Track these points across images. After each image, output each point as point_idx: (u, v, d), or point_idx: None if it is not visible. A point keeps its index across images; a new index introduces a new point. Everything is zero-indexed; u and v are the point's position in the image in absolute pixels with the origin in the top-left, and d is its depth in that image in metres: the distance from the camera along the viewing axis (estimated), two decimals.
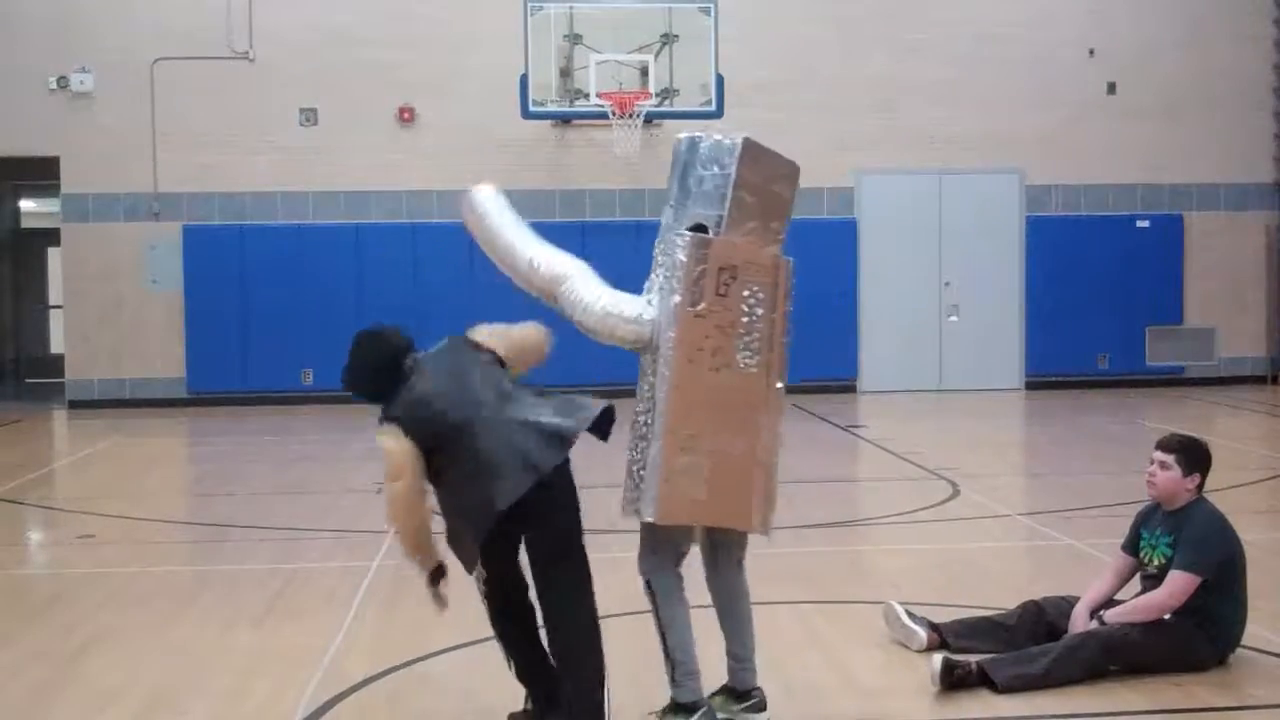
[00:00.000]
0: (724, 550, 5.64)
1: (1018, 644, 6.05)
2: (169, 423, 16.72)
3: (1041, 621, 6.20)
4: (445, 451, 5.06)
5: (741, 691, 5.53)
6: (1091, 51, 19.24)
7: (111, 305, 18.25)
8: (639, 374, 5.42)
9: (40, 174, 19.02)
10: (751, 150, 5.41)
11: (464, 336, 5.68)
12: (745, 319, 5.22)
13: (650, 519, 5.23)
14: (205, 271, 18.26)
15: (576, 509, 5.33)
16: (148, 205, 18.34)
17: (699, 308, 5.13)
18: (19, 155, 18.47)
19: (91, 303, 18.26)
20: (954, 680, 5.71)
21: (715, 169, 5.35)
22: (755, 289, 5.24)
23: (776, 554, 8.72)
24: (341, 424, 16.10)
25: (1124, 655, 5.87)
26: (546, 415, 5.26)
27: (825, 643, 6.59)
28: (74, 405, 18.10)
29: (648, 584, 5.46)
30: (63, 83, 18.17)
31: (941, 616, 6.48)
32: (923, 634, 6.30)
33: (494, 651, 6.49)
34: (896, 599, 6.65)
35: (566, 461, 5.19)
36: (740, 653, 5.56)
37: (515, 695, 5.98)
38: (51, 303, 23.59)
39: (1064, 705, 5.62)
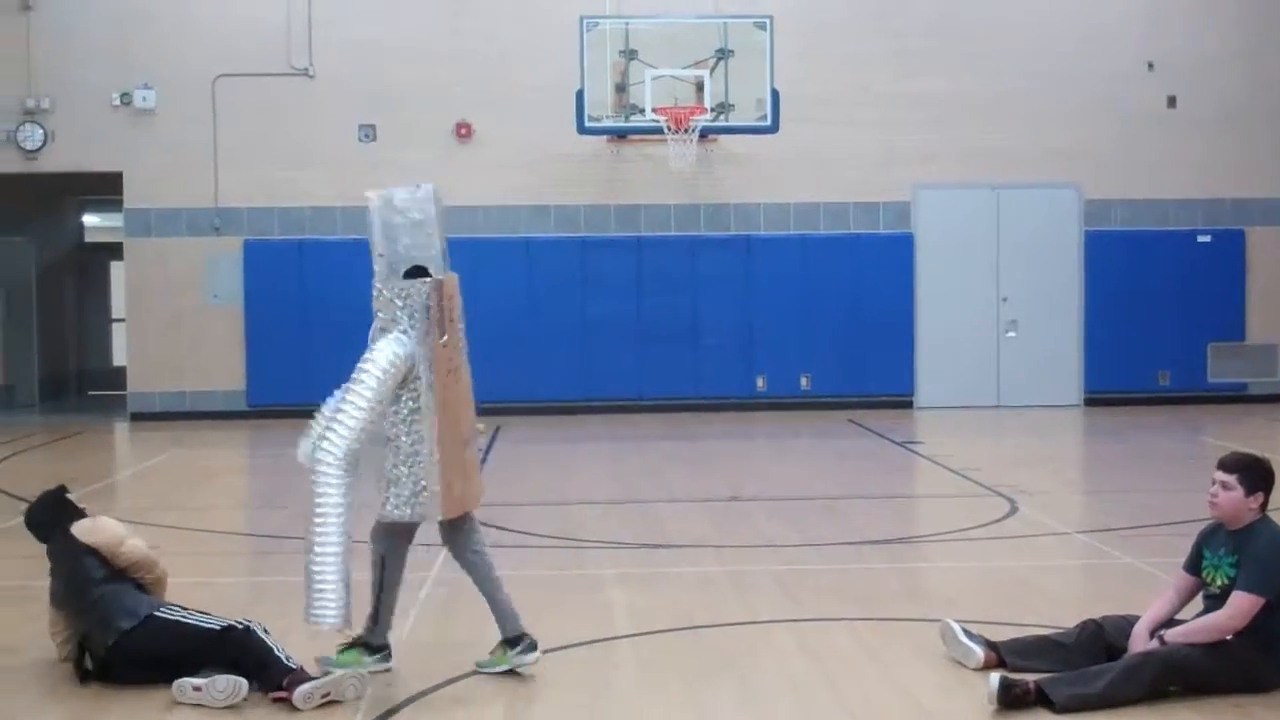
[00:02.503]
0: (464, 531, 6.47)
1: (1076, 663, 6.00)
2: (228, 435, 16.87)
3: (1100, 641, 6.14)
4: None
5: (514, 638, 6.40)
6: (1150, 65, 19.08)
7: (173, 319, 18.45)
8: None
9: (104, 189, 19.26)
10: (437, 192, 6.34)
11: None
12: (461, 336, 6.36)
13: (440, 518, 6.21)
14: (265, 285, 18.43)
15: None
16: (209, 220, 18.54)
17: (444, 340, 6.14)
18: (83, 170, 18.69)
19: (153, 316, 18.46)
20: (1011, 699, 5.66)
21: (416, 214, 6.25)
22: (459, 308, 6.38)
23: (833, 571, 8.72)
24: None
25: (1185, 676, 5.81)
26: None
27: (882, 661, 6.55)
28: (135, 417, 18.30)
29: (382, 558, 6.36)
30: (126, 99, 18.40)
31: (999, 635, 6.43)
32: (980, 652, 6.25)
33: (549, 664, 6.52)
34: (954, 617, 6.60)
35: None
36: (502, 607, 6.46)
37: (562, 706, 5.99)
38: (114, 316, 23.87)
39: None
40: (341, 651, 6.36)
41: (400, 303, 6.10)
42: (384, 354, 6.05)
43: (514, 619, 6.44)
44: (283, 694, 5.97)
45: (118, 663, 6.20)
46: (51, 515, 6.64)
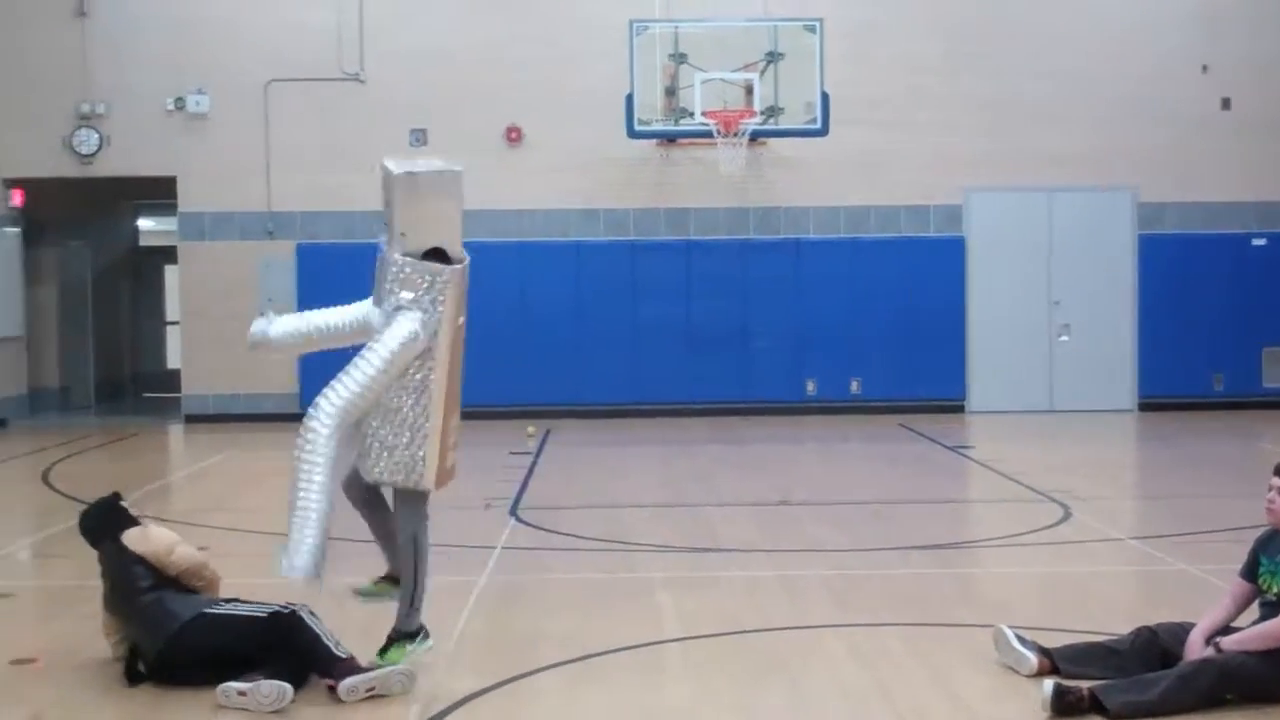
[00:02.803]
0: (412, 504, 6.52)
1: (1131, 670, 5.95)
2: (281, 437, 16.90)
3: (1155, 648, 6.09)
4: None
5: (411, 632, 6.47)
6: (1205, 67, 18.91)
7: (226, 322, 18.57)
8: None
9: (158, 193, 19.45)
10: (459, 174, 6.44)
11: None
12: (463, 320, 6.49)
13: (430, 488, 6.33)
14: (317, 288, 18.50)
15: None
16: (262, 224, 18.69)
17: (460, 321, 6.35)
18: (137, 175, 18.88)
19: (207, 319, 18.61)
20: (1065, 706, 5.63)
21: (447, 198, 6.37)
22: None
23: (884, 576, 8.68)
24: None
25: (1241, 684, 5.75)
26: None
27: (934, 666, 6.52)
28: (189, 420, 18.46)
29: (414, 538, 6.38)
30: (180, 104, 18.58)
31: (1052, 641, 6.39)
32: (1033, 659, 6.21)
33: (598, 667, 6.54)
34: (1006, 622, 6.56)
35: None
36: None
37: (613, 709, 6.00)
38: (168, 319, 24.09)
39: None
40: (383, 652, 6.36)
41: (425, 281, 6.16)
42: (402, 330, 6.10)
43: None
44: (333, 683, 6.05)
45: (171, 665, 6.26)
46: (103, 522, 6.71)
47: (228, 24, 18.61)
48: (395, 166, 6.26)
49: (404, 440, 6.23)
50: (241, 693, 5.94)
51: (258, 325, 6.61)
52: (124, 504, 6.83)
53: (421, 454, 6.24)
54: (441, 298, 6.18)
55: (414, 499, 6.39)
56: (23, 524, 11.45)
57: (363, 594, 6.68)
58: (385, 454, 6.26)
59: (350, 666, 6.10)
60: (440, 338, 6.20)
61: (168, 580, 6.51)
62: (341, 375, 6.17)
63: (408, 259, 6.18)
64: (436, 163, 6.44)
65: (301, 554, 6.02)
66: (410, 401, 6.23)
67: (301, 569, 6.02)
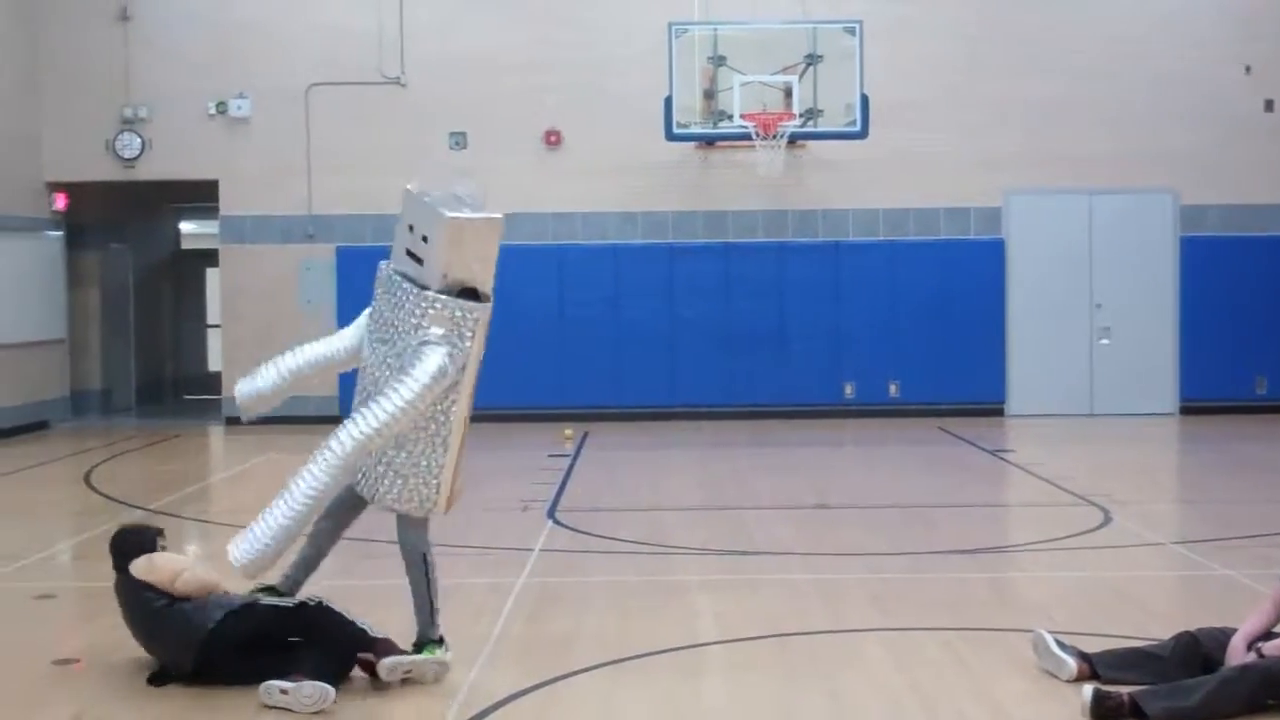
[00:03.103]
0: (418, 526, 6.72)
1: (1171, 676, 5.91)
2: (321, 440, 17.04)
3: (1196, 653, 6.05)
4: None
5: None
6: (1248, 68, 18.76)
7: (267, 324, 18.68)
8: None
9: (200, 197, 19.58)
10: (500, 221, 6.53)
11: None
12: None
13: (441, 513, 6.54)
14: (358, 291, 18.44)
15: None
16: (302, 227, 18.79)
17: (482, 354, 6.46)
18: (179, 178, 19.01)
19: (248, 322, 18.72)
20: (1105, 712, 5.60)
21: (490, 245, 6.47)
22: None
23: (923, 580, 8.66)
24: (484, 442, 16.26)
25: None
26: None
27: (972, 671, 6.50)
28: (230, 422, 18.55)
29: (424, 556, 6.59)
30: (221, 108, 18.71)
31: (1092, 646, 6.36)
32: (1073, 664, 6.18)
33: (636, 669, 6.55)
34: (1046, 627, 6.54)
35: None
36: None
37: (651, 712, 6.01)
38: (209, 322, 24.24)
39: None
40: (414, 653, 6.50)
41: (458, 319, 6.31)
42: (432, 364, 6.20)
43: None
44: (369, 656, 6.22)
45: (210, 670, 6.30)
46: (118, 552, 6.68)
47: (269, 28, 18.72)
48: (444, 210, 6.29)
49: (420, 469, 6.41)
50: (284, 691, 5.98)
51: (243, 386, 6.86)
52: (139, 535, 6.79)
53: (435, 483, 6.43)
54: (470, 333, 6.33)
55: (421, 521, 6.59)
56: (65, 525, 11.55)
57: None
58: (400, 482, 6.43)
59: (389, 646, 6.27)
60: (466, 373, 6.35)
61: (182, 597, 6.49)
62: (370, 403, 6.23)
63: (443, 296, 6.31)
64: (475, 199, 6.50)
65: (253, 552, 6.25)
66: (430, 433, 6.38)
67: (242, 557, 6.26)
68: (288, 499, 6.24)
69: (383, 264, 6.61)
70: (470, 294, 6.40)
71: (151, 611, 6.44)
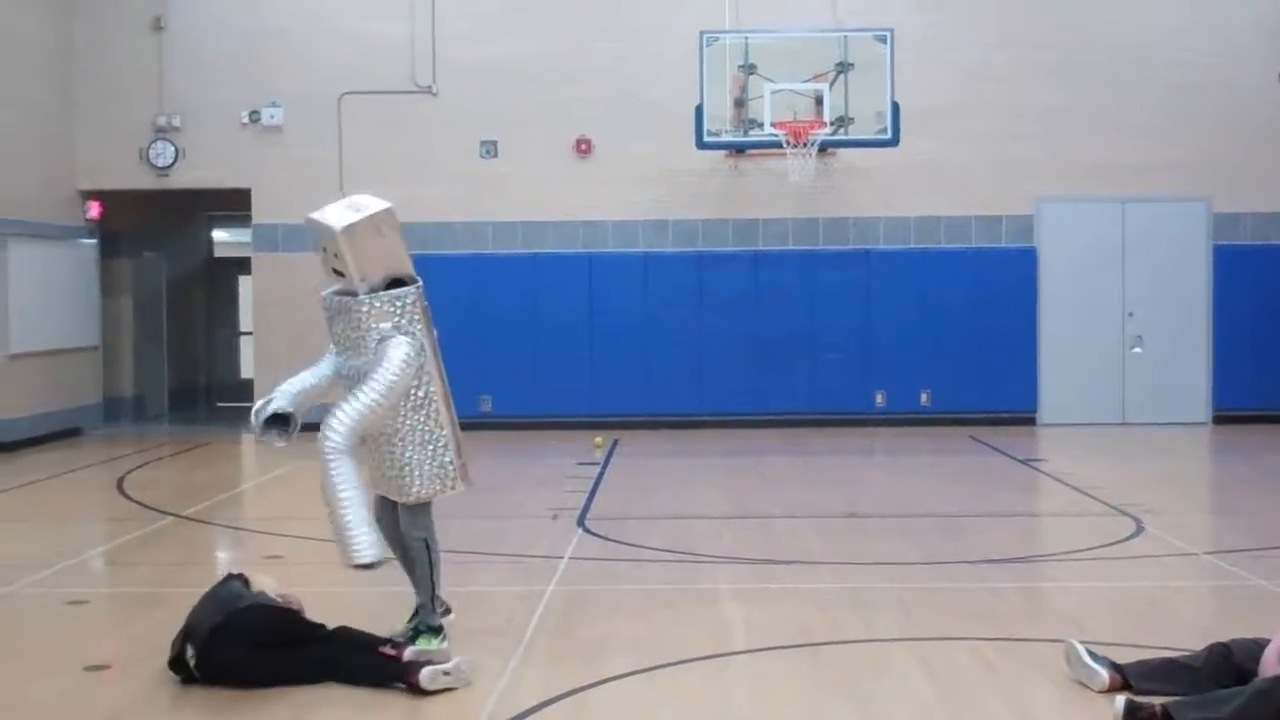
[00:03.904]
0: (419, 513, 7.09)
1: (1204, 687, 5.88)
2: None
3: (1229, 664, 6.02)
4: None
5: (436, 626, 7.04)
6: None
7: (299, 332, 18.70)
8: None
9: (232, 205, 19.68)
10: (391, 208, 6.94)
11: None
12: None
13: (465, 488, 6.99)
14: None
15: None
16: None
17: (434, 333, 6.91)
18: (212, 187, 19.12)
19: (280, 330, 18.79)
20: None
21: (390, 232, 6.87)
22: None
23: (953, 589, 8.63)
24: (517, 450, 16.33)
25: None
26: None
27: (1003, 682, 6.47)
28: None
29: (427, 543, 6.95)
30: (254, 117, 18.81)
31: (1124, 657, 6.33)
32: (1105, 674, 6.16)
33: (666, 678, 6.55)
34: (1077, 638, 6.51)
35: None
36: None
37: (687, 718, 6.01)
38: (242, 329, 24.36)
39: None
40: (411, 640, 6.82)
41: (396, 308, 6.75)
42: (398, 353, 6.65)
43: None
44: (393, 652, 6.47)
45: (227, 635, 6.41)
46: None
47: (301, 38, 18.82)
48: (334, 222, 6.72)
49: (429, 454, 6.85)
50: (446, 673, 6.34)
51: (265, 408, 7.12)
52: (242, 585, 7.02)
53: (448, 460, 6.89)
54: (415, 317, 6.79)
55: (423, 508, 6.97)
56: (97, 531, 11.62)
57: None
58: (417, 472, 6.85)
59: (412, 663, 6.43)
60: (427, 353, 6.80)
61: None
62: (349, 397, 6.61)
63: (374, 295, 6.76)
64: (365, 204, 6.87)
65: (362, 542, 6.46)
66: (421, 418, 6.82)
67: (369, 555, 6.47)
68: (335, 490, 6.50)
69: (324, 293, 7.04)
70: (397, 283, 6.85)
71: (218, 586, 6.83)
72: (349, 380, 6.90)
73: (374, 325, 6.72)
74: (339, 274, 6.88)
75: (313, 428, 6.73)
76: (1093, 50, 18.66)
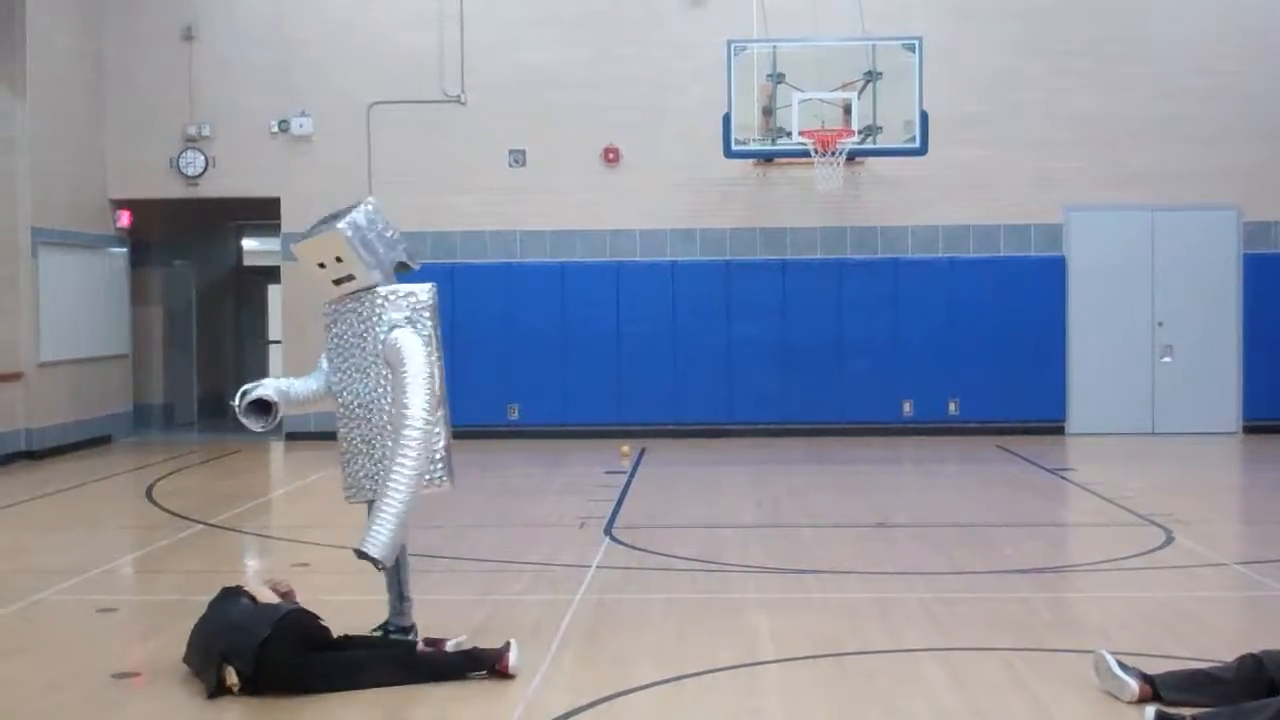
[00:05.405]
0: None
1: (1235, 698, 5.84)
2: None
3: (1260, 676, 5.97)
4: None
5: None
6: None
7: None
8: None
9: (262, 214, 19.77)
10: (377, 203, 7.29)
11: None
12: None
13: (452, 485, 7.08)
14: None
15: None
16: None
17: (439, 335, 7.12)
18: (242, 196, 19.21)
19: (308, 338, 18.79)
20: None
21: (383, 226, 7.17)
22: None
23: (981, 599, 8.59)
24: (545, 459, 16.35)
25: None
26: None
27: (1032, 692, 6.44)
28: (290, 437, 18.71)
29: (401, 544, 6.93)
30: (284, 126, 18.90)
31: (1154, 667, 6.29)
32: (1135, 685, 6.12)
33: (694, 687, 6.54)
34: (1107, 648, 6.48)
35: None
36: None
37: None
38: (271, 338, 24.44)
39: None
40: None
41: (409, 305, 7.02)
42: (414, 339, 6.88)
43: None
44: (430, 650, 6.76)
45: (279, 645, 6.43)
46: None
47: (331, 47, 18.90)
48: (331, 226, 6.96)
49: (422, 449, 6.78)
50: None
51: (251, 392, 7.33)
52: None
53: (438, 457, 6.96)
54: (426, 316, 7.03)
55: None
56: (127, 539, 11.66)
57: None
58: (426, 464, 6.87)
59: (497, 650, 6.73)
60: (435, 346, 7.01)
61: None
62: (404, 386, 6.74)
63: (390, 289, 7.03)
64: (344, 208, 7.16)
65: (382, 537, 6.55)
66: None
67: (377, 551, 6.54)
68: (395, 483, 6.60)
69: (324, 306, 7.28)
70: (402, 267, 7.24)
71: (228, 610, 6.78)
72: (343, 383, 7.16)
73: (386, 316, 6.95)
74: (347, 279, 7.05)
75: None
76: (1122, 59, 18.59)
